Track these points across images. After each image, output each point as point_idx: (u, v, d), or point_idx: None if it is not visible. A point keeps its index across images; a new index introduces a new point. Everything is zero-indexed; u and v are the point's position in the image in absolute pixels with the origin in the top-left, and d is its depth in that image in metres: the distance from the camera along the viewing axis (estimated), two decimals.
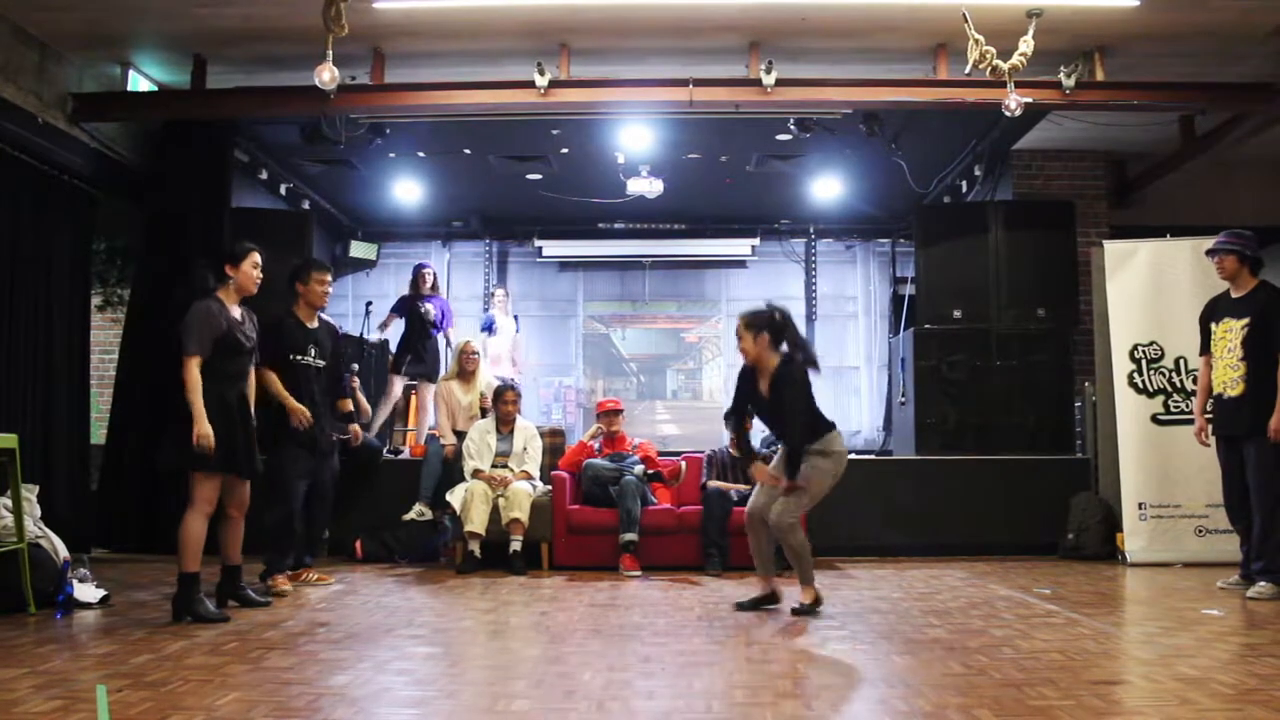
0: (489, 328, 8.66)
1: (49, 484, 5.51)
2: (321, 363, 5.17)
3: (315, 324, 5.21)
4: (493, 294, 9.33)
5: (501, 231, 10.70)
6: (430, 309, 7.82)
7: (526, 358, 9.89)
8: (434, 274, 8.10)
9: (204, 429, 4.16)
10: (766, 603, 4.60)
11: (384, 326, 8.29)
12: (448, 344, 7.82)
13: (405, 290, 8.08)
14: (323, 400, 5.18)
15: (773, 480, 4.47)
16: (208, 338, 4.27)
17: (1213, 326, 5.18)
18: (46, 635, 3.97)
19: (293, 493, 4.97)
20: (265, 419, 4.76)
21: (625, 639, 3.90)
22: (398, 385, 7.75)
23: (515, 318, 9.04)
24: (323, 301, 5.21)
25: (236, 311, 4.44)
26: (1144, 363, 6.28)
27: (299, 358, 5.06)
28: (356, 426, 5.61)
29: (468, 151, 8.10)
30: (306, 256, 6.65)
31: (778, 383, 4.50)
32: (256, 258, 4.52)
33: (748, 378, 4.64)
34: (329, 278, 5.24)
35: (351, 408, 5.58)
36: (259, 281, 4.54)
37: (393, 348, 8.05)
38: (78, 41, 5.90)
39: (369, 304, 8.91)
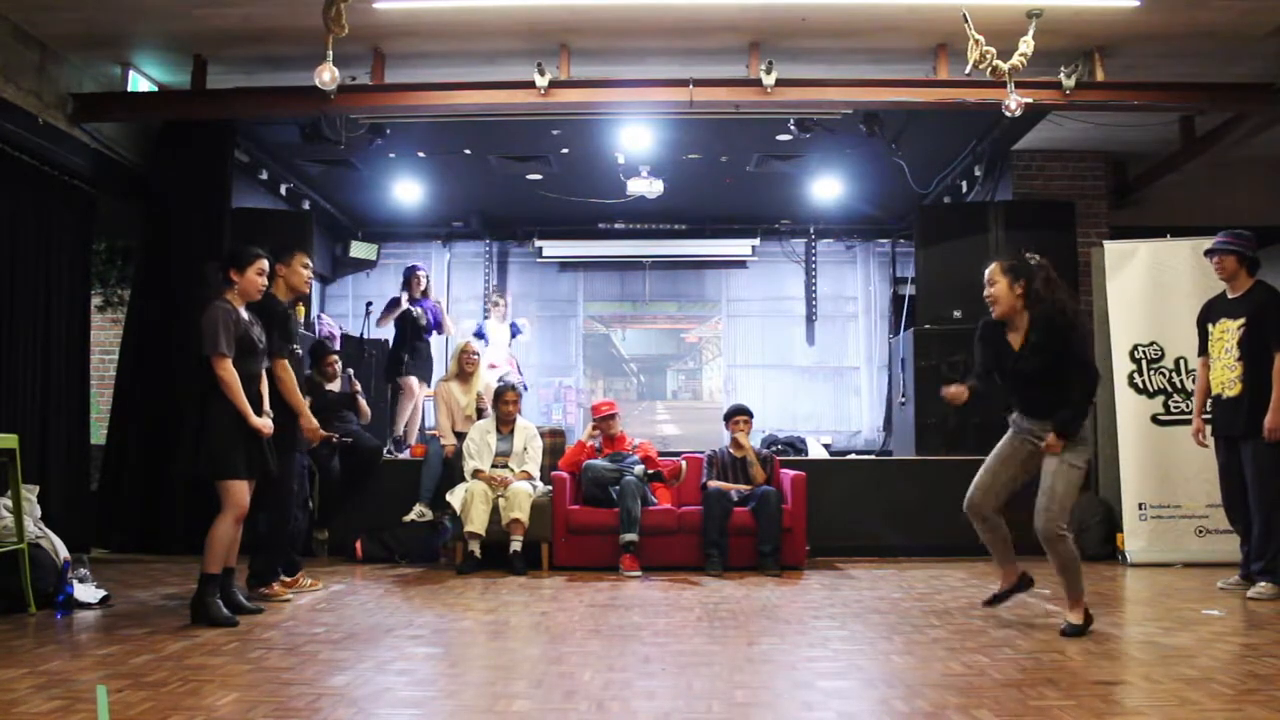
0: (480, 335, 8.59)
1: (48, 484, 5.51)
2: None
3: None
4: (492, 302, 9.21)
5: (501, 232, 10.68)
6: (421, 313, 7.84)
7: (527, 356, 9.90)
8: (426, 277, 8.11)
9: (259, 421, 4.24)
10: (1019, 589, 4.50)
11: (381, 322, 8.23)
12: (447, 343, 7.80)
13: (397, 291, 8.11)
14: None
15: (1051, 446, 4.01)
16: (231, 337, 4.22)
17: (1210, 327, 5.18)
18: (46, 635, 3.98)
19: (291, 499, 4.85)
20: (276, 421, 4.52)
21: (625, 639, 3.91)
22: (413, 383, 7.76)
23: (513, 326, 8.85)
24: (306, 287, 4.95)
25: (244, 314, 4.39)
26: (1144, 363, 6.29)
27: (296, 348, 4.86)
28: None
29: (468, 152, 8.09)
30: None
31: (1047, 329, 4.00)
32: (263, 265, 4.42)
33: (991, 338, 4.21)
34: (310, 260, 4.97)
35: None
36: (263, 289, 4.46)
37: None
38: (78, 42, 5.89)
39: (369, 304, 8.89)
